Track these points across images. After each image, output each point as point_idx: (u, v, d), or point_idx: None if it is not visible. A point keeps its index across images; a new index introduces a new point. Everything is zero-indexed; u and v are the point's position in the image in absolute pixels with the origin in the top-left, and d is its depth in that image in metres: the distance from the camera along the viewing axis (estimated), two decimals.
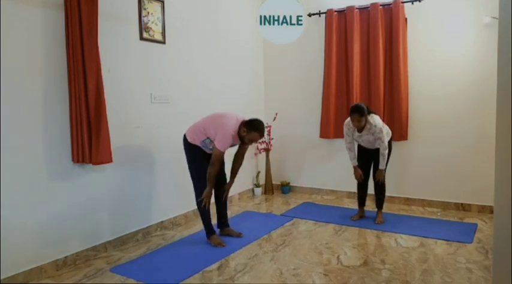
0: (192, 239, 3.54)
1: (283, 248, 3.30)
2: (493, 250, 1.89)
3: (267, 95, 5.35)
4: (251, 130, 3.18)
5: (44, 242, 2.82)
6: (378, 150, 3.73)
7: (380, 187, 3.87)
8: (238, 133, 3.20)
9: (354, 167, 3.88)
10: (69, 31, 2.82)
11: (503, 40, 1.74)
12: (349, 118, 3.69)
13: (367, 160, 3.87)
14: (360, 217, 3.99)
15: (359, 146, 3.90)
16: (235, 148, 3.44)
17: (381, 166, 3.71)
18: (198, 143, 3.26)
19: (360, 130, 3.69)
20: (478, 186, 4.11)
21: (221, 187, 3.48)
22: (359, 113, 3.55)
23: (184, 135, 3.35)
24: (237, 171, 3.45)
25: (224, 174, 3.52)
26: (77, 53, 2.84)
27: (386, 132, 3.72)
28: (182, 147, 3.31)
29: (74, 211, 3.01)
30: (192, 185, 3.35)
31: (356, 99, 4.53)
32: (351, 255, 3.13)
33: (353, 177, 3.99)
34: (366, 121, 3.61)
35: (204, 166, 3.24)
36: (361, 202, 4.03)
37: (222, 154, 3.16)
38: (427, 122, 4.35)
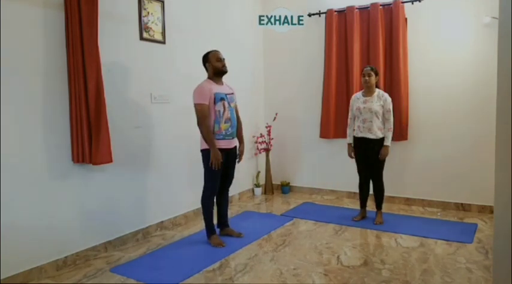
0: (192, 239, 3.54)
1: (283, 248, 3.30)
2: (493, 250, 1.90)
3: (267, 95, 5.35)
4: (207, 56, 3.32)
5: (44, 242, 2.82)
6: (376, 151, 3.73)
7: (378, 187, 3.86)
8: (210, 76, 3.32)
9: (348, 145, 3.96)
10: (69, 31, 2.82)
11: (503, 40, 1.75)
12: (357, 93, 3.94)
13: (367, 162, 3.86)
14: (362, 218, 3.99)
15: (357, 149, 3.87)
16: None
17: (387, 142, 3.73)
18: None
19: (367, 92, 3.76)
20: (478, 185, 4.11)
21: (225, 187, 3.51)
22: (371, 68, 3.76)
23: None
24: (241, 132, 3.52)
25: (232, 176, 3.53)
26: (77, 53, 2.84)
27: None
28: (182, 146, 3.29)
29: (74, 211, 3.02)
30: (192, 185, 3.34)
31: None
32: (351, 255, 3.13)
33: (353, 177, 4.02)
34: (376, 85, 3.78)
35: (217, 173, 3.27)
36: (363, 203, 4.03)
37: (202, 107, 3.18)
38: (427, 122, 4.35)
